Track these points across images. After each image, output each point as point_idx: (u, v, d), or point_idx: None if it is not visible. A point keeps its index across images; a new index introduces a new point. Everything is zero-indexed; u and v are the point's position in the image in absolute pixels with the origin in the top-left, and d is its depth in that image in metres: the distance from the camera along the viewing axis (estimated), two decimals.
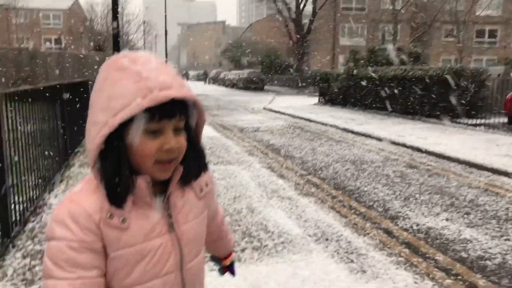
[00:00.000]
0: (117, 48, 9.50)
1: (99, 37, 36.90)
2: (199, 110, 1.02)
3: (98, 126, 0.92)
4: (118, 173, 0.93)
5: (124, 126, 0.92)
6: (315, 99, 20.97)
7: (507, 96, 10.50)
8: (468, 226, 4.40)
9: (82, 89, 8.65)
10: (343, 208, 4.98)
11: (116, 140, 0.93)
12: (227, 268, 1.43)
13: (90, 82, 10.00)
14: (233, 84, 42.26)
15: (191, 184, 1.08)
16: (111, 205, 0.93)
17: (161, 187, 1.01)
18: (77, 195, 0.97)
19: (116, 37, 9.36)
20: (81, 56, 20.35)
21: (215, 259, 1.44)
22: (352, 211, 4.88)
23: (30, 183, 4.32)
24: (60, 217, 0.93)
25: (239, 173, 6.32)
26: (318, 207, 4.87)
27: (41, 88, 4.96)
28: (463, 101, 11.70)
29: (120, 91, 0.91)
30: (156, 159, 0.95)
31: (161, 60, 0.99)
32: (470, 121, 11.13)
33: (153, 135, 0.94)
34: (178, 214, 1.04)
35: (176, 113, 0.95)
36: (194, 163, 1.05)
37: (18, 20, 44.39)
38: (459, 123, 11.35)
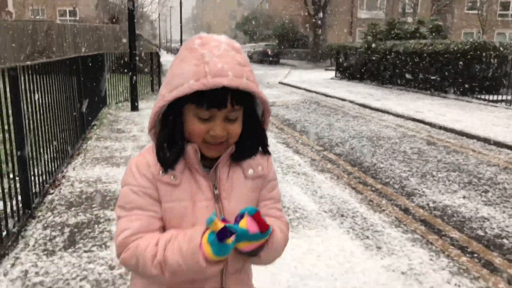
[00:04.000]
0: (131, 21, 9.41)
1: (114, 9, 36.66)
2: (261, 100, 1.06)
3: (159, 97, 1.03)
4: (169, 141, 1.04)
5: (184, 103, 1.00)
6: (332, 73, 20.66)
7: None
8: (485, 204, 4.34)
9: (98, 62, 8.66)
10: (359, 184, 4.95)
11: (175, 112, 1.02)
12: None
13: (105, 55, 10.01)
14: (248, 58, 41.75)
15: (241, 163, 1.12)
16: (161, 165, 1.05)
17: (212, 160, 1.08)
18: (145, 151, 1.11)
19: (132, 11, 9.27)
20: (96, 28, 20.28)
21: None
22: (368, 187, 4.85)
23: (49, 155, 4.38)
24: (129, 167, 1.09)
25: None
26: (333, 183, 4.85)
27: (58, 61, 4.97)
28: (484, 77, 11.40)
29: (181, 71, 1.00)
30: (204, 139, 1.03)
31: (234, 46, 1.03)
32: (491, 97, 10.85)
33: (204, 119, 1.01)
34: (222, 187, 1.09)
35: (225, 104, 1.00)
36: (249, 144, 1.11)
37: None
38: (480, 99, 11.09)
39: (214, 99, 0.98)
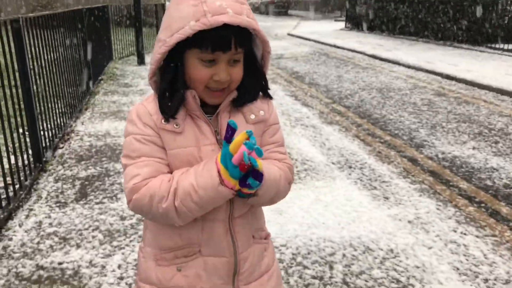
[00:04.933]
0: None
1: None
2: (261, 39, 1.03)
3: (159, 44, 1.00)
4: (170, 89, 1.03)
5: (186, 48, 0.99)
6: (342, 24, 20.09)
7: None
8: (495, 155, 4.32)
9: (102, 15, 8.49)
10: (368, 136, 4.92)
11: (176, 58, 1.01)
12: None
13: (110, 7, 9.79)
14: (255, 8, 40.75)
15: (242, 108, 1.11)
16: (163, 114, 1.04)
17: (214, 107, 1.08)
18: (145, 100, 1.11)
19: None
20: None
21: None
22: (377, 139, 4.83)
23: (57, 110, 4.39)
24: (130, 117, 1.09)
25: None
26: (342, 135, 4.83)
27: (61, 13, 4.87)
28: (500, 25, 11.00)
29: (179, 13, 0.97)
30: (207, 85, 1.02)
31: None
32: (506, 46, 10.52)
33: (207, 63, 0.99)
34: (224, 132, 1.07)
35: (230, 46, 0.98)
36: (250, 88, 1.10)
37: None
38: (495, 48, 10.76)
39: (218, 40, 0.96)
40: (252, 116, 1.11)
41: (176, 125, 1.05)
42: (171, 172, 1.06)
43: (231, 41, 0.97)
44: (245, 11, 0.97)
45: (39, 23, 3.92)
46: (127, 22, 11.50)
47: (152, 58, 1.03)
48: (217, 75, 1.00)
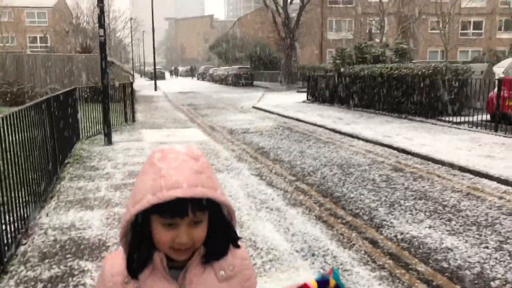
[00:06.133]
0: (103, 54, 9.46)
1: (85, 36, 36.55)
2: (223, 204, 1.09)
3: (126, 210, 1.08)
4: (138, 250, 1.10)
5: (150, 213, 1.05)
6: (304, 96, 21.08)
7: (490, 94, 10.70)
8: (449, 234, 4.56)
9: (70, 98, 8.67)
10: (330, 217, 5.11)
11: (142, 222, 1.08)
12: None
13: (77, 88, 10.01)
14: (222, 80, 42.22)
15: (212, 264, 1.14)
16: (129, 274, 1.11)
17: (183, 261, 1.11)
18: (111, 256, 1.18)
19: (103, 44, 9.34)
20: (68, 58, 20.18)
21: None
22: (339, 220, 5.01)
23: (21, 199, 4.31)
24: (102, 267, 1.17)
25: (229, 182, 6.43)
26: (305, 218, 4.99)
27: (31, 107, 4.99)
28: (447, 99, 11.90)
29: (141, 185, 1.06)
30: (171, 246, 1.07)
31: (193, 155, 1.08)
32: (454, 119, 11.33)
33: (168, 227, 1.05)
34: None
35: (187, 212, 1.04)
36: (217, 244, 1.13)
37: (2, 18, 43.83)
38: (444, 121, 11.55)
39: (175, 209, 1.03)
40: (222, 273, 1.14)
41: (138, 286, 1.10)
42: None
43: (187, 209, 1.04)
44: (201, 181, 1.04)
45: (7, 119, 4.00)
46: (95, 98, 11.70)
47: (121, 222, 1.13)
48: (178, 238, 1.05)
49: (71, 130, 8.58)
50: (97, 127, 10.64)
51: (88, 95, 12.77)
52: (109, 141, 9.41)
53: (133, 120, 13.58)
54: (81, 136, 9.86)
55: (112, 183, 6.34)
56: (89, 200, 5.51)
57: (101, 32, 8.79)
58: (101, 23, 8.75)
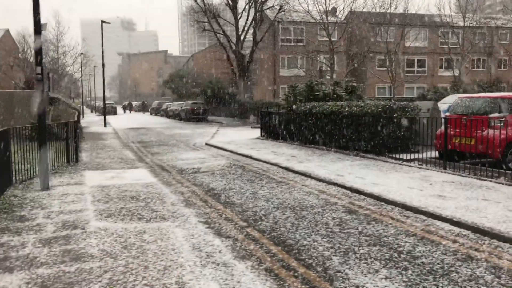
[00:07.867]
0: (42, 91, 8.84)
1: (32, 70, 35.15)
2: None
3: None
4: None
5: None
6: (258, 131, 20.97)
7: (437, 132, 10.94)
8: (406, 286, 4.30)
9: (2, 141, 7.94)
10: (282, 269, 4.74)
11: None
12: None
13: (12, 129, 9.25)
14: (176, 115, 41.71)
15: None
16: None
17: None
18: None
19: (41, 82, 8.72)
20: (8, 94, 19.10)
21: None
22: (291, 272, 4.65)
23: None
24: None
25: (173, 233, 5.93)
26: (255, 274, 4.58)
27: None
28: (397, 137, 12.07)
29: None
30: None
31: None
32: (404, 156, 11.45)
33: None
34: None
35: None
36: None
37: None
38: (395, 158, 11.65)
39: None
40: None
41: None
42: None
43: None
44: None
45: None
46: (33, 135, 10.89)
47: None
48: None
49: (1, 173, 7.82)
50: (35, 169, 9.83)
51: (29, 133, 11.93)
52: (45, 186, 8.65)
53: (76, 160, 12.78)
54: (14, 180, 9.03)
55: (41, 236, 5.68)
56: (10, 260, 4.83)
57: (38, 70, 8.23)
58: (38, 61, 8.19)
